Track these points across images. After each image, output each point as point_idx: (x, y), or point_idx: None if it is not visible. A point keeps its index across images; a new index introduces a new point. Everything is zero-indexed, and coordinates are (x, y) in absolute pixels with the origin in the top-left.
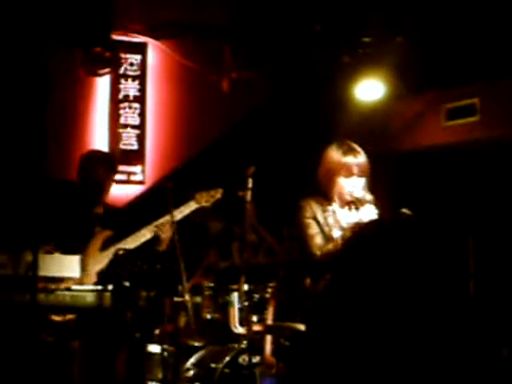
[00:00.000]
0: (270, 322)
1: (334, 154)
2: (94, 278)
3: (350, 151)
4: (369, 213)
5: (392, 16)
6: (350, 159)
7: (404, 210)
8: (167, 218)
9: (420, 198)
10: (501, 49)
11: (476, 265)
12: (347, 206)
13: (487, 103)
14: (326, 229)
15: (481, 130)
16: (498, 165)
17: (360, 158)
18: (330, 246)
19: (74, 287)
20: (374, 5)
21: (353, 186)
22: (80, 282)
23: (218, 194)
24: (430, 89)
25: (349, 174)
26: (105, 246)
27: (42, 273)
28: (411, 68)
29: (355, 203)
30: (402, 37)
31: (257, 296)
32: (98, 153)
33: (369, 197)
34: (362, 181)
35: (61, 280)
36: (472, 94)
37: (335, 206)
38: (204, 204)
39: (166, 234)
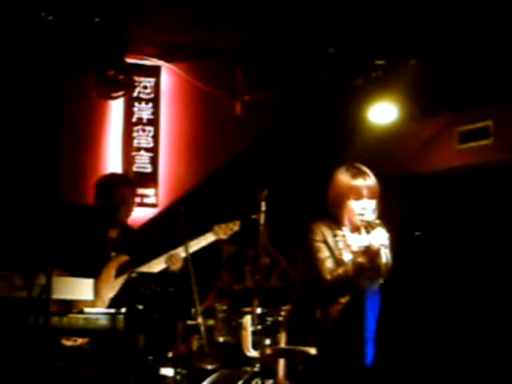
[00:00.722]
0: (282, 345)
1: (344, 177)
2: (106, 304)
3: (359, 174)
4: (380, 236)
5: (405, 39)
6: (359, 182)
7: (417, 234)
8: (180, 249)
9: (433, 220)
10: None
11: None
12: (357, 229)
13: (501, 126)
14: (337, 252)
15: (494, 153)
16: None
17: (369, 181)
18: (341, 271)
19: (87, 310)
20: (387, 28)
21: (363, 208)
22: (93, 306)
23: (236, 226)
24: (443, 112)
25: (358, 196)
26: (119, 273)
27: (56, 296)
28: (424, 91)
29: (366, 226)
30: (415, 60)
31: (270, 319)
32: (118, 175)
33: (378, 221)
34: (373, 203)
35: (74, 303)
36: (485, 117)
37: (345, 230)
38: (222, 236)
39: (176, 267)
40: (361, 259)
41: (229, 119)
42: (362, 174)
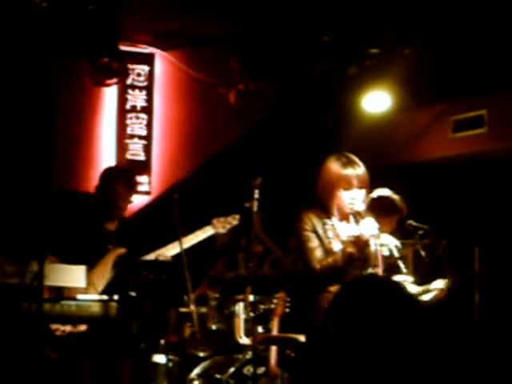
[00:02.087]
0: (275, 333)
1: (333, 167)
2: (99, 292)
3: (348, 163)
4: (369, 226)
5: (399, 28)
6: (349, 171)
7: (410, 222)
8: (171, 246)
9: (426, 209)
10: (509, 60)
11: (481, 278)
12: (346, 218)
13: (495, 115)
14: (326, 241)
15: (488, 142)
16: (506, 177)
17: (359, 170)
18: (330, 260)
19: (80, 297)
20: (382, 17)
21: (352, 198)
22: (86, 293)
23: (235, 220)
24: (438, 100)
25: (348, 186)
26: (116, 265)
27: (48, 283)
28: (418, 80)
29: (355, 216)
30: (410, 49)
31: (262, 307)
32: (119, 168)
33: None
34: (362, 193)
35: (67, 289)
36: (480, 106)
37: (335, 219)
38: (220, 230)
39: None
40: (350, 249)
41: (223, 108)
42: (352, 163)
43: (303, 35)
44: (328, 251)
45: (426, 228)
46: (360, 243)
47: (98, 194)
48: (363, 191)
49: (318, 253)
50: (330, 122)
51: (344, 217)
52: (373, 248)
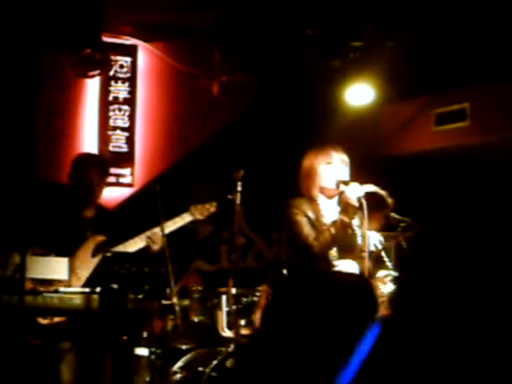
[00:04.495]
0: (257, 325)
1: (313, 152)
2: (82, 283)
3: (329, 146)
4: (354, 189)
5: (383, 21)
6: (329, 151)
7: (393, 215)
8: (157, 229)
9: (408, 202)
10: (491, 53)
11: None
12: (332, 196)
13: (477, 108)
14: (317, 224)
15: (470, 135)
16: (487, 170)
17: (339, 151)
18: (326, 234)
19: (62, 289)
20: (366, 9)
21: (335, 170)
22: (69, 285)
23: (212, 207)
24: (420, 93)
25: (329, 160)
26: (96, 252)
27: (30, 275)
28: (401, 73)
29: (341, 186)
30: (393, 42)
31: (245, 299)
32: (91, 155)
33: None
34: (346, 170)
35: (49, 282)
36: (462, 99)
37: (321, 201)
38: (198, 217)
39: (158, 245)
40: (341, 216)
41: (205, 99)
42: (333, 146)
43: (287, 27)
44: (321, 232)
45: (409, 221)
46: (348, 208)
47: (73, 181)
48: (346, 168)
49: (312, 232)
50: (313, 114)
51: (329, 194)
52: (359, 238)
